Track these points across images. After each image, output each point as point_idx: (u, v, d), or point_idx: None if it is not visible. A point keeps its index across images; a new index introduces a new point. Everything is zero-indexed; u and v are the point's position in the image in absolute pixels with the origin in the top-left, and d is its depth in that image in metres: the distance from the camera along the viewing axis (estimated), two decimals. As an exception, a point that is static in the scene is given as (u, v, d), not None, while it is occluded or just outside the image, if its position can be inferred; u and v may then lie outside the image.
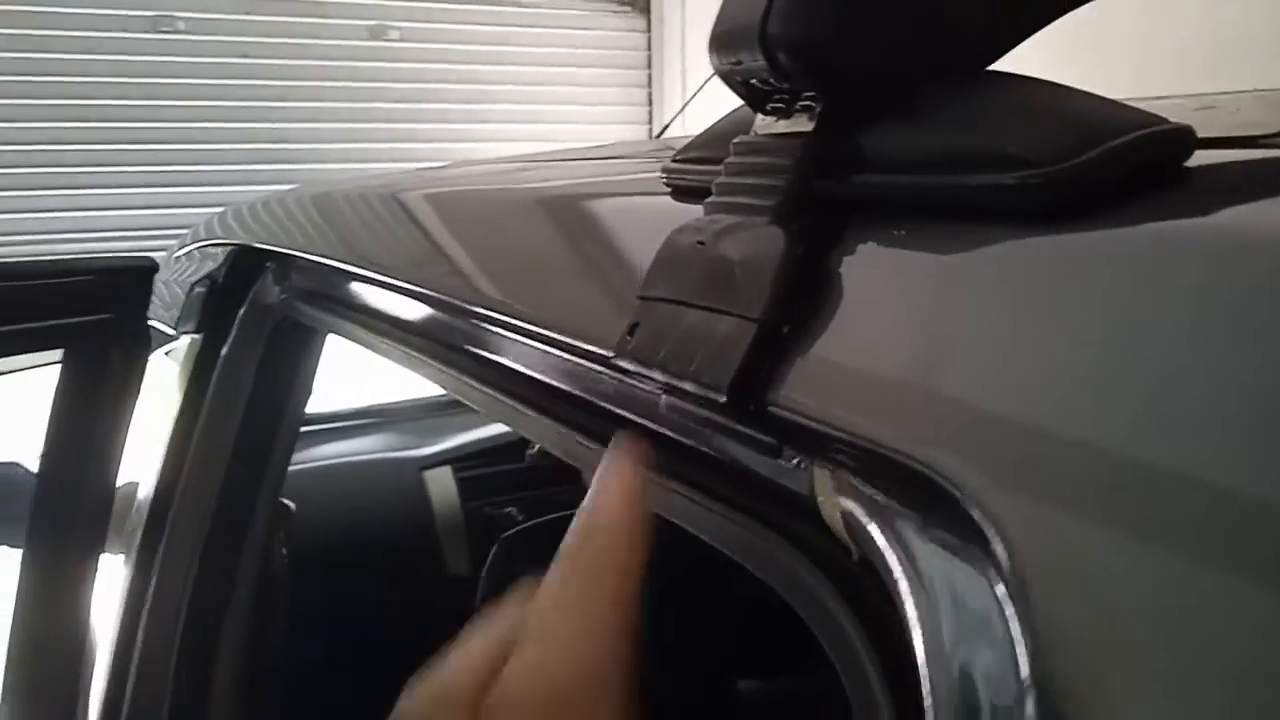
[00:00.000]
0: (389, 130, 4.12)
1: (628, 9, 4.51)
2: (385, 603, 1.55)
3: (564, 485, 1.78)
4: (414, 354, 0.60)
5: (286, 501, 1.08)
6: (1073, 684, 0.20)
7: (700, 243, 0.32)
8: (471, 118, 4.25)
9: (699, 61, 4.14)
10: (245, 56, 3.92)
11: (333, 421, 1.80)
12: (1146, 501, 0.20)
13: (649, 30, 4.54)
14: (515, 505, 1.72)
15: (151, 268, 0.78)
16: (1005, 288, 0.26)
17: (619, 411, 0.41)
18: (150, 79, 3.79)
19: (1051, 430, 0.22)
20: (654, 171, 0.42)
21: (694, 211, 0.34)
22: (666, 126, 1.62)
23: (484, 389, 0.52)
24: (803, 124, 0.31)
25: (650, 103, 4.57)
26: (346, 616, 1.50)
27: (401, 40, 4.15)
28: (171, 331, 1.02)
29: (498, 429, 1.82)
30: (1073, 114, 0.27)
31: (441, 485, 1.69)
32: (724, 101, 0.37)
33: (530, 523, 1.03)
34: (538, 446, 1.75)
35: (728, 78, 0.32)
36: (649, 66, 4.56)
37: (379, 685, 1.42)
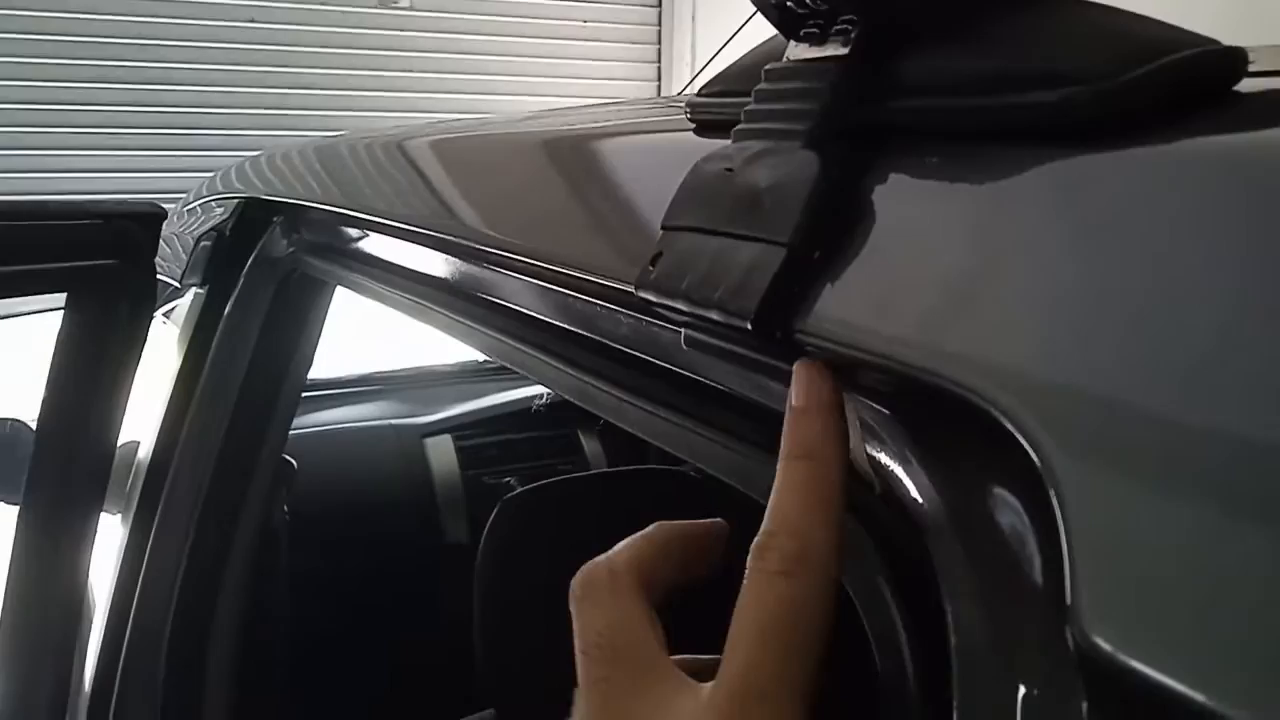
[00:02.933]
0: (397, 99, 4.10)
1: (638, -19, 4.47)
2: (384, 567, 1.55)
3: (562, 456, 1.78)
4: (425, 304, 0.60)
5: (289, 458, 1.07)
6: (1117, 612, 0.19)
7: (728, 169, 0.31)
8: (480, 87, 4.22)
9: (709, 31, 4.13)
10: (252, 22, 3.89)
11: (337, 387, 1.79)
12: (1194, 441, 0.19)
13: (659, 5, 4.50)
14: (514, 475, 1.72)
15: (160, 214, 0.77)
16: (1049, 211, 0.25)
17: (637, 354, 0.40)
18: (155, 41, 3.76)
19: (1095, 361, 0.22)
20: (674, 113, 0.41)
21: (720, 144, 0.33)
22: (683, 90, 1.61)
23: (498, 336, 0.51)
24: (837, 48, 0.30)
25: (659, 78, 4.54)
26: (346, 580, 1.50)
27: (411, 9, 4.11)
28: (177, 284, 1.02)
29: (498, 399, 1.82)
30: (1120, 31, 0.26)
31: (442, 453, 1.69)
32: None
33: (532, 486, 1.02)
34: (546, 397, 1.75)
35: (761, 2, 0.31)
36: (659, 42, 4.52)
37: (376, 647, 1.43)
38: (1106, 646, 0.18)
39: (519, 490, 1.00)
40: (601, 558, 0.29)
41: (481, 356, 1.52)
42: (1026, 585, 0.22)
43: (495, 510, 0.97)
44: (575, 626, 0.28)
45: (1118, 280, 0.22)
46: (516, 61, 4.27)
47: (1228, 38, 0.26)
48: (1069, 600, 0.19)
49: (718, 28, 4.09)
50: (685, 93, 1.34)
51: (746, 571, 0.26)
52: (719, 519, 0.32)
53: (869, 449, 0.29)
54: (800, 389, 0.28)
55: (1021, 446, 0.22)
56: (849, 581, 0.29)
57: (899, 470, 0.28)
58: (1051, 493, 0.20)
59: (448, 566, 1.58)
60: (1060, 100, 0.25)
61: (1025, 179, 0.26)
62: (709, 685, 0.25)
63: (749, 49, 0.37)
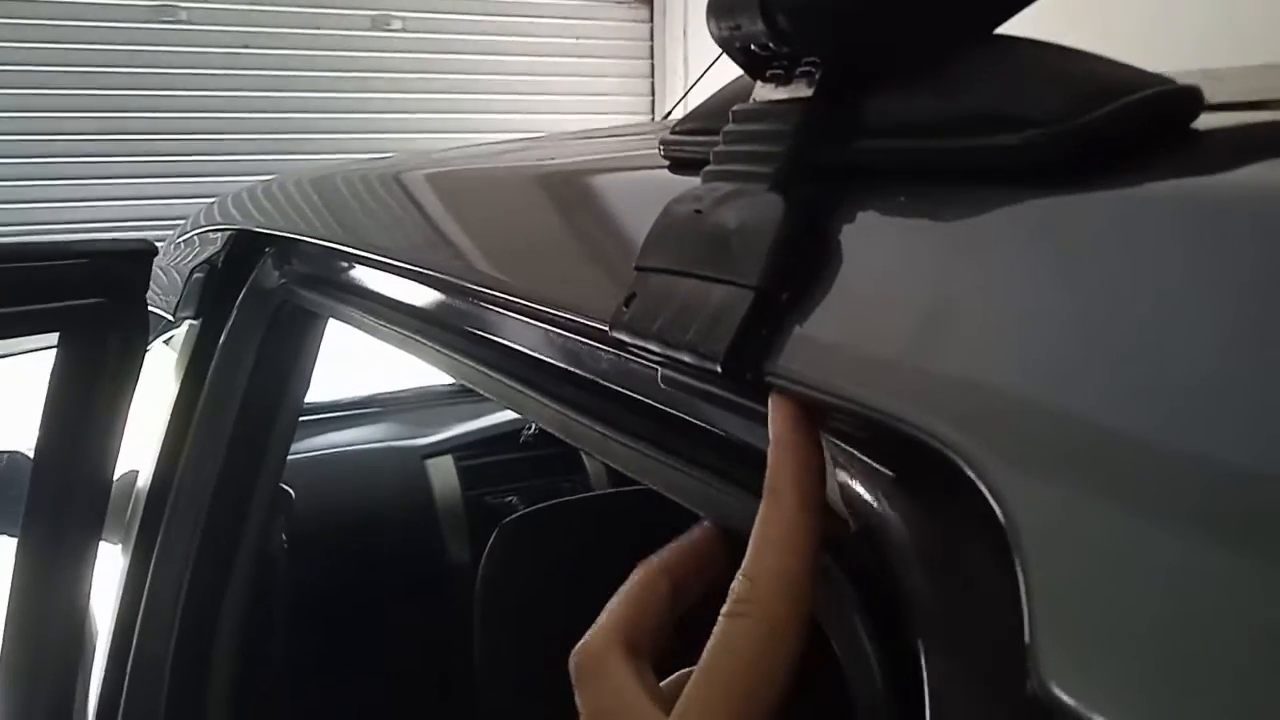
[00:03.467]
0: (391, 120, 4.11)
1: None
2: (387, 590, 1.55)
3: (564, 475, 1.78)
4: (413, 337, 0.60)
5: (287, 487, 1.08)
6: (1075, 661, 0.19)
7: (698, 211, 0.31)
8: (474, 108, 4.23)
9: (701, 52, 4.14)
10: (247, 47, 3.91)
11: (336, 410, 1.80)
12: (1158, 480, 0.19)
13: (651, 21, 4.52)
14: (516, 494, 1.72)
15: (150, 251, 0.77)
16: (1010, 252, 0.25)
17: (616, 388, 0.40)
18: (150, 69, 3.78)
19: (1058, 402, 0.22)
20: (651, 147, 0.41)
21: (692, 183, 0.33)
22: (668, 114, 1.62)
23: (483, 369, 0.52)
24: (802, 90, 0.30)
25: (653, 93, 4.55)
26: (348, 603, 1.50)
27: (404, 30, 4.13)
28: (170, 317, 1.02)
29: (498, 418, 1.82)
30: (1077, 73, 0.26)
31: (444, 474, 1.69)
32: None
33: (530, 509, 1.02)
34: (534, 427, 1.76)
35: (726, 44, 0.31)
36: (651, 57, 4.54)
37: (378, 672, 1.42)
38: (1065, 697, 0.18)
39: (517, 514, 1.00)
40: (589, 633, 0.31)
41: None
42: (994, 628, 0.22)
43: (494, 534, 0.97)
44: (579, 700, 0.30)
45: (1081, 321, 0.23)
46: (510, 80, 4.29)
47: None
48: (1028, 648, 0.19)
49: (709, 40, 4.10)
50: (672, 115, 1.35)
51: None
52: (703, 524, 0.33)
53: (844, 487, 0.29)
54: (771, 425, 0.28)
55: (981, 485, 0.22)
56: (825, 619, 0.29)
57: (873, 509, 0.28)
58: (1010, 537, 0.20)
59: (450, 587, 1.58)
60: (1021, 142, 0.25)
61: (989, 219, 0.26)
62: None
63: (722, 85, 0.38)
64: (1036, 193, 0.25)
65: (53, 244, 0.75)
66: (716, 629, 0.26)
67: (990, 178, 0.26)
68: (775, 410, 0.28)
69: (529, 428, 1.77)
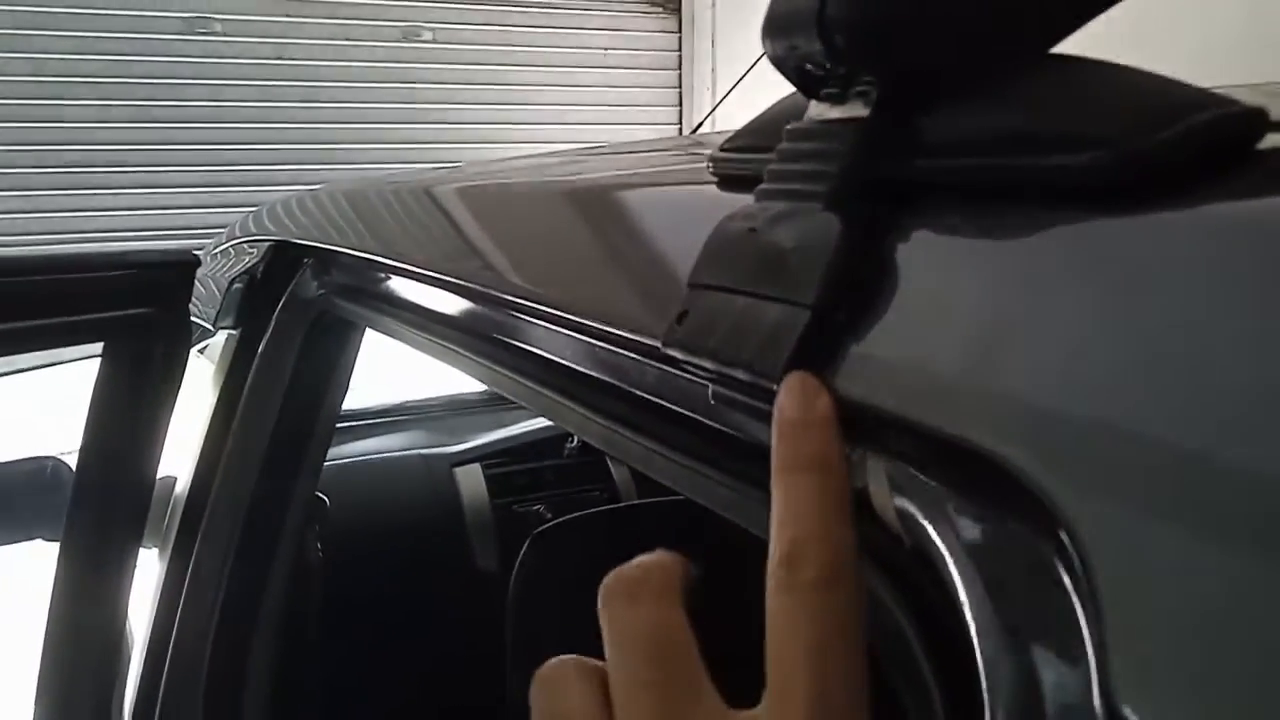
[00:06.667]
0: (422, 131, 4.15)
1: (659, 10, 4.51)
2: (416, 597, 1.56)
3: (591, 484, 1.79)
4: (453, 348, 0.60)
5: (321, 496, 1.09)
6: (1144, 693, 0.19)
7: (752, 229, 0.31)
8: (503, 118, 4.26)
9: (730, 62, 4.15)
10: (280, 59, 3.96)
11: (366, 418, 1.81)
12: (1235, 504, 0.19)
13: (680, 31, 4.53)
14: (544, 503, 1.72)
15: (194, 262, 0.78)
16: (1076, 274, 0.25)
17: (663, 403, 0.40)
18: (185, 80, 3.83)
19: (1127, 425, 0.22)
20: (696, 162, 0.42)
21: (742, 200, 0.34)
22: (698, 126, 1.62)
23: (524, 381, 0.52)
24: (858, 109, 0.30)
25: (681, 103, 4.56)
26: (378, 610, 1.50)
27: (434, 42, 4.17)
28: (209, 327, 1.03)
29: (528, 427, 1.83)
30: (1141, 93, 0.26)
31: (472, 482, 1.70)
32: (754, 101, 0.36)
33: (563, 519, 1.02)
34: (577, 440, 1.76)
35: (781, 63, 0.32)
36: (680, 67, 4.55)
37: (408, 677, 1.43)
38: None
39: (550, 523, 1.01)
40: (638, 561, 0.29)
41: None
42: (1059, 649, 0.22)
43: (527, 543, 0.97)
44: (613, 625, 0.27)
45: (1146, 344, 0.22)
46: (538, 90, 4.31)
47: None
48: (1096, 669, 0.19)
49: (737, 52, 4.11)
50: (703, 127, 1.34)
51: (774, 586, 0.25)
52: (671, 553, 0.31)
53: (898, 504, 0.29)
54: (795, 401, 0.27)
55: (1046, 506, 0.22)
56: (879, 639, 0.29)
57: (928, 527, 0.28)
58: (1078, 560, 0.20)
59: (479, 595, 1.59)
60: (1086, 163, 0.25)
61: (1049, 239, 0.26)
62: (758, 716, 0.24)
63: (772, 103, 0.38)
64: (1102, 214, 0.25)
65: (98, 254, 0.76)
66: (803, 604, 0.24)
67: (1051, 198, 0.26)
68: (801, 385, 0.27)
69: (572, 440, 1.77)
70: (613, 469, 1.80)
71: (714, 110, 1.39)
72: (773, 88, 0.36)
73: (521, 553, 0.98)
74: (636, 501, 1.72)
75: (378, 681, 1.51)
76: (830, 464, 0.26)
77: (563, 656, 0.28)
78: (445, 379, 1.93)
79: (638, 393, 0.42)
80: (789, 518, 0.26)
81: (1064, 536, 0.22)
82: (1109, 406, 0.22)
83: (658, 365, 0.39)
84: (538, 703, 0.28)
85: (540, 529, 0.98)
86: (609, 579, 0.28)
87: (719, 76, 4.31)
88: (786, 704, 0.24)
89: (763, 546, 0.35)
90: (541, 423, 1.82)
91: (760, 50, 0.33)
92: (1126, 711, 0.18)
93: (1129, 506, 0.20)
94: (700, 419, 0.38)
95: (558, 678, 0.28)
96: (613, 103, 4.44)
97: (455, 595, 1.58)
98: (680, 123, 4.52)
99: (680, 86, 4.56)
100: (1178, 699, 0.18)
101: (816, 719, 0.23)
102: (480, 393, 1.96)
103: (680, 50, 4.54)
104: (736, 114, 0.48)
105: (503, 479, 1.73)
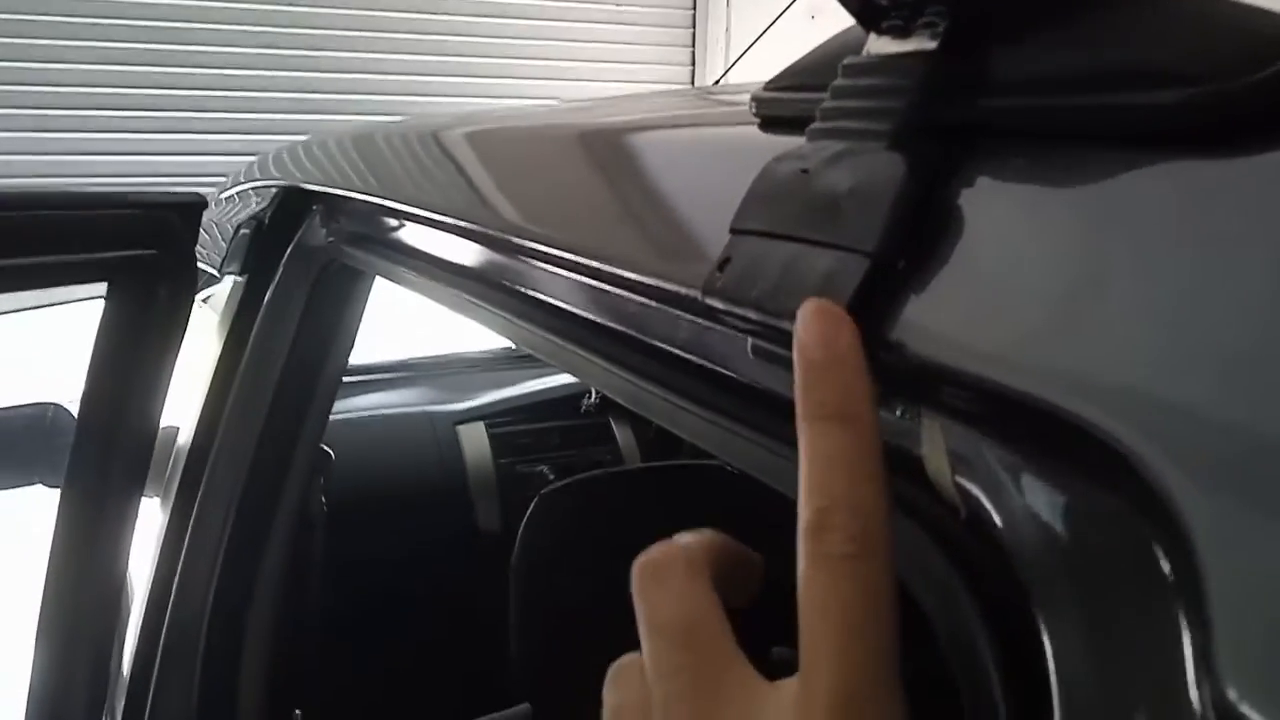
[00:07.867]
0: (431, 84, 4.09)
1: (672, -34, 4.43)
2: (417, 555, 1.55)
3: (595, 445, 1.77)
4: (469, 298, 0.58)
5: (326, 448, 1.07)
6: (1260, 673, 0.17)
7: (804, 170, 0.29)
8: (514, 72, 4.20)
9: (744, 22, 4.08)
10: (289, 4, 3.89)
11: (372, 373, 1.80)
12: None
13: (693, -12, 4.46)
14: (547, 463, 1.71)
15: (200, 203, 0.76)
16: (1163, 221, 0.23)
17: (694, 357, 0.38)
18: (190, 24, 3.77)
19: (1237, 390, 0.19)
20: (722, 106, 0.39)
21: (791, 142, 0.31)
22: (717, 82, 1.59)
23: (543, 333, 0.50)
24: (924, 42, 0.28)
25: (693, 61, 4.49)
26: (379, 566, 1.50)
27: (443, -8, 4.10)
28: (215, 273, 1.01)
29: (532, 387, 1.81)
30: (1238, 26, 0.24)
31: (475, 440, 1.69)
32: (769, 61, 0.34)
33: (571, 479, 1.01)
34: (595, 396, 1.74)
35: (840, -7, 0.29)
36: (693, 26, 4.48)
37: (409, 635, 1.42)
38: (1250, 712, 0.16)
39: (555, 485, 0.99)
40: (668, 542, 0.27)
41: (516, 345, 1.51)
42: (1143, 633, 0.21)
43: (532, 505, 0.96)
44: (644, 608, 0.26)
45: (1244, 297, 0.20)
46: (548, 45, 4.25)
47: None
48: (1205, 656, 0.17)
49: (752, 9, 4.04)
50: (723, 81, 1.32)
51: (804, 557, 0.23)
52: (759, 554, 0.30)
53: (956, 471, 0.27)
54: (816, 336, 0.24)
55: (1141, 479, 0.20)
56: (934, 617, 0.27)
57: (989, 498, 0.26)
58: (1188, 535, 0.18)
59: (480, 555, 1.58)
60: (1176, 101, 0.23)
61: (1135, 184, 0.24)
62: (790, 688, 0.23)
63: (819, 44, 0.35)
64: (1193, 157, 0.23)
65: (103, 192, 0.74)
66: (832, 576, 0.22)
67: (1135, 140, 0.24)
68: (822, 317, 0.24)
69: (590, 396, 1.75)
70: (616, 431, 1.78)
71: (733, 65, 1.36)
72: (787, 50, 0.34)
73: (527, 514, 0.97)
74: (643, 465, 1.71)
75: (378, 637, 1.50)
76: (855, 413, 0.23)
77: (633, 653, 0.26)
78: (451, 335, 1.91)
79: (666, 347, 0.40)
80: (814, 480, 0.23)
81: (1164, 519, 0.20)
82: (1215, 372, 0.20)
83: (690, 318, 0.37)
84: (606, 697, 0.27)
85: (545, 490, 0.97)
86: (639, 561, 0.27)
87: (733, 35, 4.24)
88: (815, 679, 0.22)
89: (773, 509, 0.33)
90: (546, 382, 1.80)
91: (773, 2, 0.30)
92: (1242, 706, 0.16)
93: (1244, 488, 0.18)
94: (733, 375, 0.36)
95: (619, 668, 0.27)
96: (624, 59, 4.38)
97: (457, 554, 1.57)
98: (692, 82, 4.45)
99: (693, 45, 4.49)
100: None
101: (843, 697, 0.22)
102: (484, 350, 1.94)
103: (694, 9, 4.46)
104: (752, 74, 0.45)
105: (506, 438, 1.72)
